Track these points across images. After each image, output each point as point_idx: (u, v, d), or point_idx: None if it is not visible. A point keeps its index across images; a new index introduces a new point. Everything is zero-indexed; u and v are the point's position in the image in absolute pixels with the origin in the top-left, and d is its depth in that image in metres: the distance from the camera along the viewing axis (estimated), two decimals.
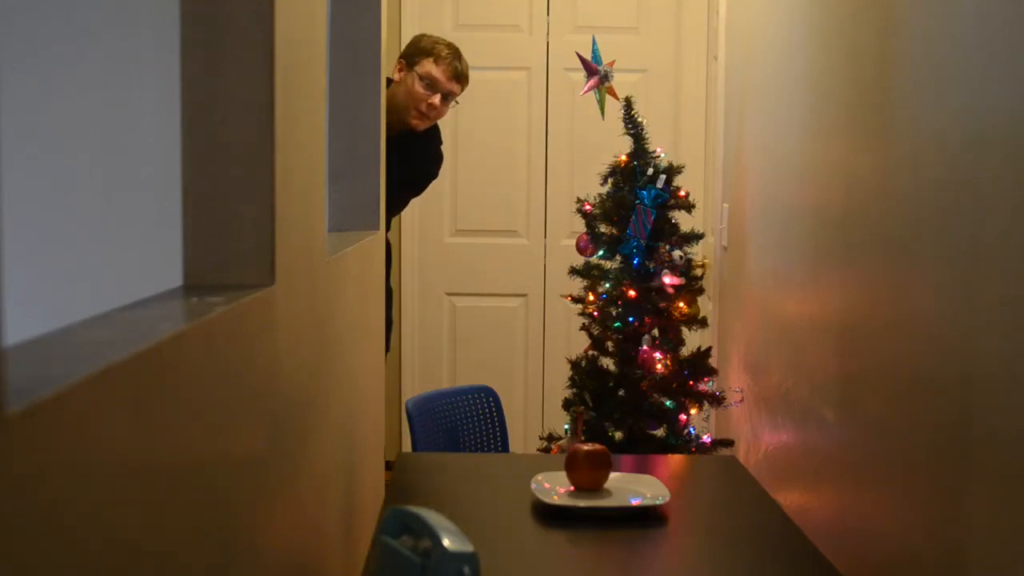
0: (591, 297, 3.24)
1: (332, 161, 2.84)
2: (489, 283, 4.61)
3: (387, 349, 3.47)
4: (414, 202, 3.73)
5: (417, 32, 4.37)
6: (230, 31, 1.34)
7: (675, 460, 2.65)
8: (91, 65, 1.42)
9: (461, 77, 3.26)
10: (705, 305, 3.52)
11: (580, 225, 3.30)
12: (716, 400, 3.20)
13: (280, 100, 1.39)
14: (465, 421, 2.90)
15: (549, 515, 1.96)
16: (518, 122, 4.57)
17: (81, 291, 1.41)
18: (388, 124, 3.22)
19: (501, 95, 4.54)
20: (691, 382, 3.15)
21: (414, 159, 3.34)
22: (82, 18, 1.40)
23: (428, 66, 3.21)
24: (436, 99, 3.22)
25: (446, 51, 3.24)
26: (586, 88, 3.21)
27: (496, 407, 2.96)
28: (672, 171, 3.17)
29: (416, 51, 3.27)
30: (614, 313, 3.17)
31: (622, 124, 3.19)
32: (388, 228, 3.44)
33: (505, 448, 2.98)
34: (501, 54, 4.53)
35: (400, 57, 3.32)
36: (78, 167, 1.44)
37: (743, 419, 3.37)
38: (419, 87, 3.21)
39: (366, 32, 3.03)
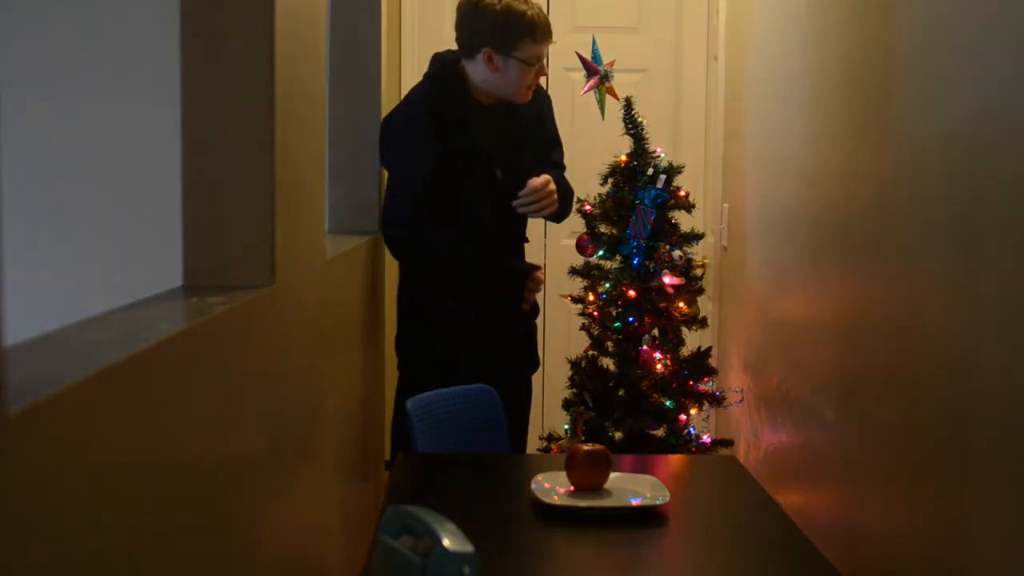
0: (591, 297, 3.24)
1: (332, 161, 2.84)
2: None
3: (537, 365, 3.29)
4: None
5: (417, 32, 4.38)
6: (230, 32, 1.34)
7: (675, 460, 2.65)
8: (92, 66, 1.42)
9: (551, 32, 3.02)
10: (705, 305, 3.52)
11: (580, 225, 3.30)
12: (716, 400, 3.20)
13: (280, 100, 1.39)
14: (465, 421, 2.90)
15: (549, 515, 1.96)
16: None
17: (81, 291, 1.42)
18: (482, 102, 3.01)
19: None
20: (691, 382, 3.15)
21: (519, 124, 3.06)
22: (82, 19, 1.40)
23: (530, 49, 2.93)
24: (543, 67, 3.01)
25: (538, 19, 2.94)
26: (586, 88, 3.21)
27: (496, 407, 2.96)
28: (672, 171, 3.16)
29: (506, 34, 2.92)
30: (614, 313, 3.17)
31: (622, 124, 3.19)
32: (526, 241, 3.18)
33: (506, 448, 2.98)
34: None
35: (484, 48, 2.93)
36: (78, 167, 1.44)
37: (743, 419, 3.37)
38: (528, 72, 2.95)
39: (366, 32, 3.03)
